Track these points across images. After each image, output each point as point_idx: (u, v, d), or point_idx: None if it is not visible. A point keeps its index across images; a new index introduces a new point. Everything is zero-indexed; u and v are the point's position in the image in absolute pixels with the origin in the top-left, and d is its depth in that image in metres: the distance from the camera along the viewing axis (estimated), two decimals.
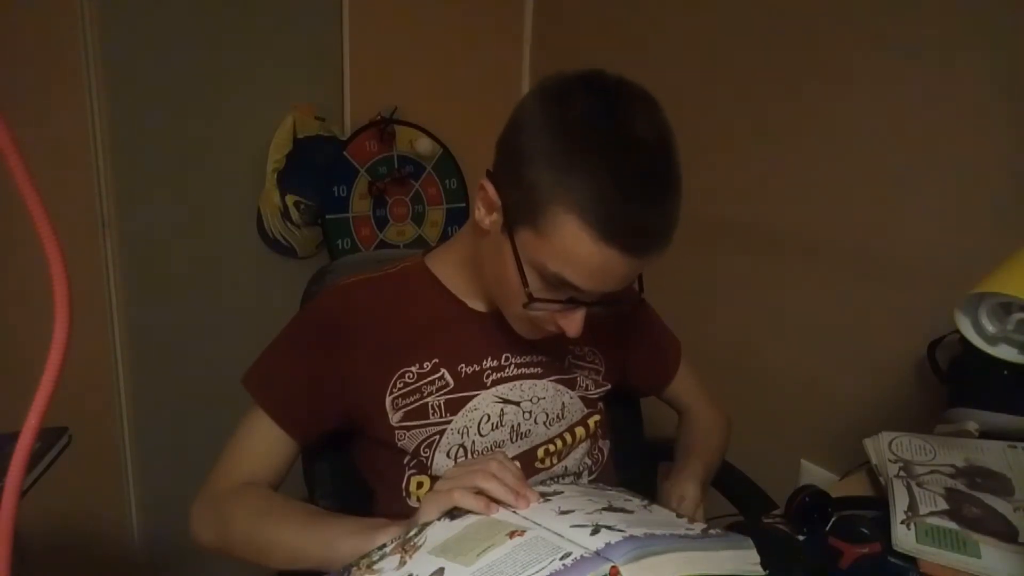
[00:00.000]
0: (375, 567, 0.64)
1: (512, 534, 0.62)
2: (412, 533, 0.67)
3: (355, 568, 0.65)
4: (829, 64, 1.28)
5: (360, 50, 1.72)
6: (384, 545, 0.67)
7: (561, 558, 0.57)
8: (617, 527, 0.62)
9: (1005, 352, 0.71)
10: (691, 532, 0.65)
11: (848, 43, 1.25)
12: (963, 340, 0.72)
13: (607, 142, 0.68)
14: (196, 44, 1.54)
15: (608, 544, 0.58)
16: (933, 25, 1.13)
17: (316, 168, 1.70)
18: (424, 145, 1.80)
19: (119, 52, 1.46)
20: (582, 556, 0.57)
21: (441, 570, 0.59)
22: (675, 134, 0.72)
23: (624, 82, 0.73)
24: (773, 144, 1.39)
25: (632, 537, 0.60)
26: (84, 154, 1.47)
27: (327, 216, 1.73)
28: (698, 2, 1.51)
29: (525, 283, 0.73)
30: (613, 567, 0.56)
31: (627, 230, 0.67)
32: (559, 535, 0.61)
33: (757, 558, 0.65)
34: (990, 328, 0.71)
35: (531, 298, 0.73)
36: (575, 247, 0.68)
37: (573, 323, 0.75)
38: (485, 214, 0.77)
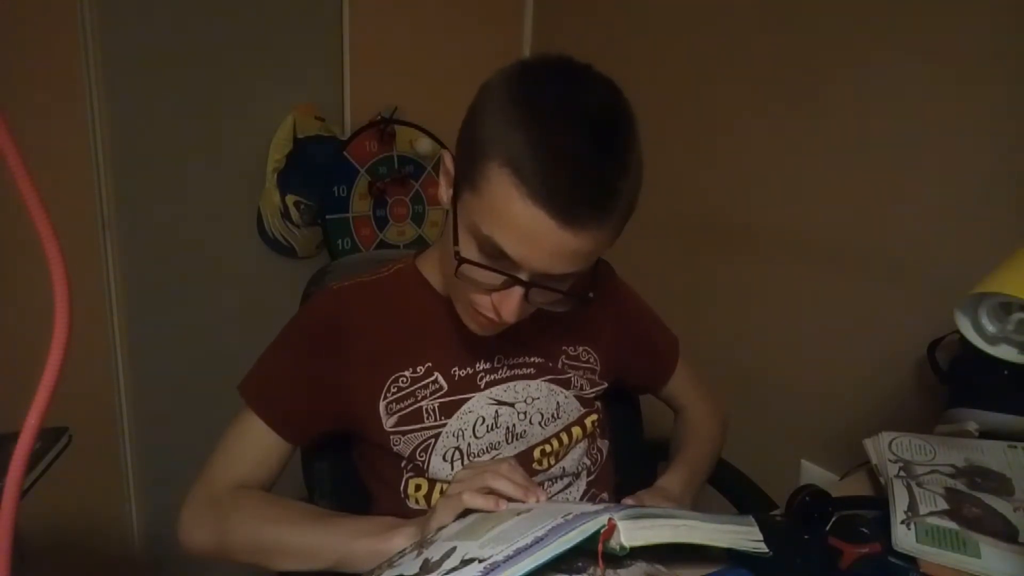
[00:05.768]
0: (395, 563, 0.65)
1: (519, 514, 0.64)
2: (428, 536, 0.68)
3: (376, 570, 0.67)
4: (830, 63, 1.28)
5: (360, 50, 1.72)
6: (403, 551, 0.68)
7: (563, 516, 0.59)
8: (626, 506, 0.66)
9: (1005, 352, 0.71)
10: None
11: (848, 42, 1.25)
12: (963, 340, 0.72)
13: (555, 106, 0.67)
14: (196, 44, 1.54)
15: (607, 507, 0.61)
16: (935, 24, 1.13)
17: (316, 168, 1.70)
18: (424, 145, 1.80)
19: (119, 52, 1.46)
20: (582, 512, 0.59)
21: (453, 548, 0.61)
22: (637, 122, 0.71)
23: (590, 66, 0.73)
24: (775, 143, 1.39)
25: (635, 506, 0.64)
26: (84, 154, 1.47)
27: (327, 216, 1.73)
28: (699, 4, 1.51)
29: (456, 243, 0.72)
30: (610, 519, 0.57)
31: (555, 191, 0.65)
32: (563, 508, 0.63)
33: (759, 535, 0.65)
34: (990, 328, 0.71)
35: (459, 258, 0.72)
36: (505, 203, 0.67)
37: (507, 301, 0.72)
38: (444, 190, 0.77)
